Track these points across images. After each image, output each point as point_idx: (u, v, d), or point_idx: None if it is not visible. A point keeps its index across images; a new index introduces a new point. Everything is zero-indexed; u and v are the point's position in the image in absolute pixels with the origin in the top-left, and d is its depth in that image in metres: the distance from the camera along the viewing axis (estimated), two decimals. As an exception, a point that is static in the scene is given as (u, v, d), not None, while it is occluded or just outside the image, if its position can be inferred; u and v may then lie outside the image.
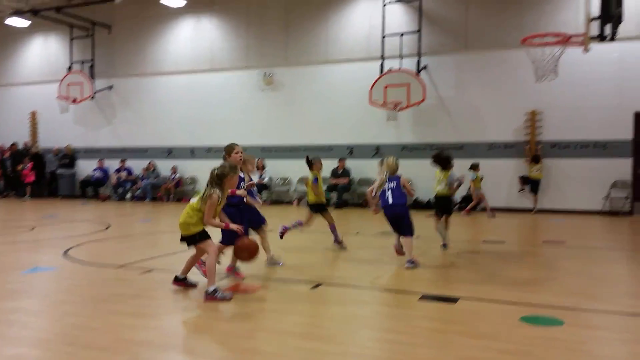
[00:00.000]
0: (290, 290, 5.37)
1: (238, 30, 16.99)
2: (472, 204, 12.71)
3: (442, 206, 7.88)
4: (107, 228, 10.20)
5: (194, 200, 4.97)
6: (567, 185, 13.48)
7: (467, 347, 3.68)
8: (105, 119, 18.88)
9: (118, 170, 17.99)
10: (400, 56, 14.36)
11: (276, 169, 16.42)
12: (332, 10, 15.79)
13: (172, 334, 4.08)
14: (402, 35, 14.43)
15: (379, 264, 6.78)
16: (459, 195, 13.74)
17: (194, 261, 5.27)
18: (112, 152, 18.60)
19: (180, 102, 17.70)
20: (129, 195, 17.69)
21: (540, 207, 13.54)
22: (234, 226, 5.01)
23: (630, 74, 12.86)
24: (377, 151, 15.06)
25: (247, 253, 5.17)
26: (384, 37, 14.59)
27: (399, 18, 14.90)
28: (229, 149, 5.88)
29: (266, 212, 14.73)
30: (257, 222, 6.22)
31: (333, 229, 7.67)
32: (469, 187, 12.87)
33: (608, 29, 9.44)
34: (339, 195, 15.09)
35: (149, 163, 17.74)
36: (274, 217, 12.57)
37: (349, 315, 4.50)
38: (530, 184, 13.50)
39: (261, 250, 5.49)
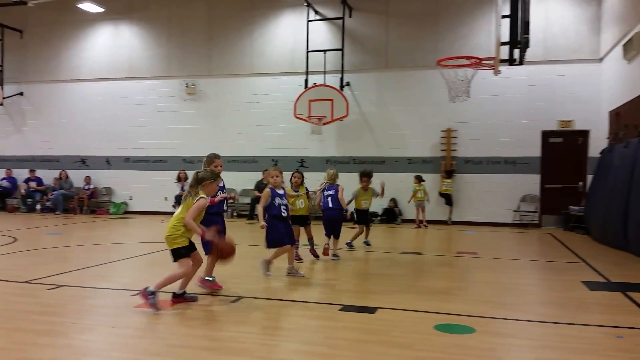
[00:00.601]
0: (210, 304, 5.26)
1: (159, 39, 16.62)
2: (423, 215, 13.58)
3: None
4: (14, 241, 9.58)
5: (179, 210, 4.98)
6: (480, 198, 14.16)
7: (385, 356, 3.76)
8: (15, 127, 17.82)
9: (27, 180, 17.00)
10: (324, 72, 14.60)
11: (198, 181, 16.09)
12: (257, 23, 15.82)
13: (81, 353, 3.88)
14: (325, 51, 14.69)
15: (300, 276, 6.80)
16: (379, 207, 14.15)
17: (193, 272, 5.20)
18: (21, 161, 17.56)
19: (96, 110, 17.04)
20: (38, 206, 16.74)
21: (455, 219, 14.14)
22: (209, 235, 4.97)
23: (538, 95, 13.76)
24: (301, 163, 15.16)
25: (224, 253, 5.14)
26: (308, 52, 14.78)
27: (323, 35, 15.18)
28: (210, 161, 5.85)
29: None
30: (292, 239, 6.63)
31: (310, 241, 8.00)
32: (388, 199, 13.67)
33: (517, 54, 10.06)
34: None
35: (61, 173, 16.90)
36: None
37: (269, 328, 4.48)
38: (445, 198, 14.13)
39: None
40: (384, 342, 4.06)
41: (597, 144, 12.99)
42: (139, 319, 4.63)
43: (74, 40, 17.34)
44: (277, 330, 4.45)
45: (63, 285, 5.87)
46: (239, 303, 5.26)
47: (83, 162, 17.28)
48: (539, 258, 9.01)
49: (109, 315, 4.78)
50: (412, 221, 13.74)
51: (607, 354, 3.89)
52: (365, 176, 8.96)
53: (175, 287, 5.11)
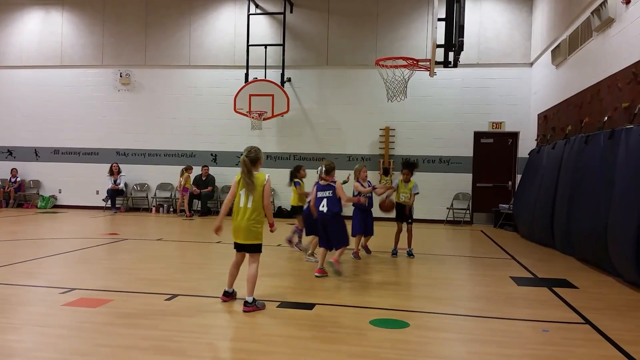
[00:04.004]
0: (143, 302, 5.12)
1: (92, 27, 15.98)
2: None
3: None
4: None
5: (249, 205, 5.11)
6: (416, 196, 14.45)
7: (320, 352, 3.79)
8: None
9: (-54, 172, 15.97)
10: (265, 67, 14.51)
11: (133, 175, 15.66)
12: (196, 14, 15.50)
13: (6, 354, 3.66)
14: (266, 46, 14.59)
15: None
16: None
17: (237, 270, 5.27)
18: (-62, 151, 16.49)
19: (24, 99, 16.20)
20: (-41, 200, 15.78)
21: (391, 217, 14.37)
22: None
23: (471, 97, 14.23)
24: (240, 159, 14.97)
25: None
26: (249, 46, 14.63)
27: (264, 29, 15.07)
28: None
29: (123, 220, 13.88)
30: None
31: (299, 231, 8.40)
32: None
33: (452, 56, 10.34)
34: (203, 204, 14.77)
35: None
36: (131, 226, 11.95)
37: (204, 327, 4.40)
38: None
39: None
40: (319, 338, 4.09)
41: (526, 145, 13.61)
42: (67, 318, 4.45)
43: (1, 24, 16.39)
44: (211, 328, 4.38)
45: (-16, 284, 5.56)
46: (174, 301, 5.15)
47: (9, 153, 16.40)
48: (471, 254, 9.33)
49: (36, 314, 4.57)
50: (348, 217, 13.80)
51: (533, 347, 4.08)
52: (407, 168, 8.46)
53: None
